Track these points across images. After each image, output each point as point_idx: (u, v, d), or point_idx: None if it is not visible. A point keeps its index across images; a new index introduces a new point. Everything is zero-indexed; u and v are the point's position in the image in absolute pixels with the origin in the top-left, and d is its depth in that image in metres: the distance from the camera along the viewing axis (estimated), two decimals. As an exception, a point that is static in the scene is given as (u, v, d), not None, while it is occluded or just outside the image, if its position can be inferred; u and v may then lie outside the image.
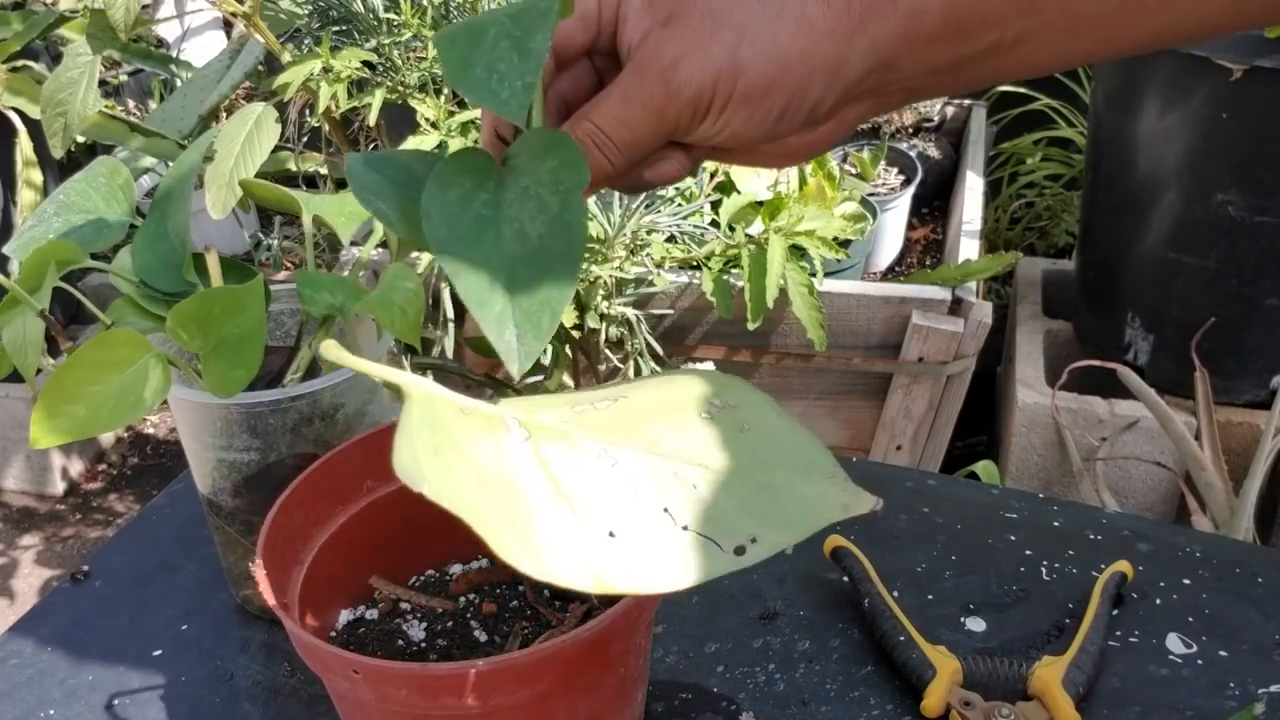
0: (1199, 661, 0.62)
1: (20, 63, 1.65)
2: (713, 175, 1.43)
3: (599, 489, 0.36)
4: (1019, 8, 0.39)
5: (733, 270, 1.33)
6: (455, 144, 1.24)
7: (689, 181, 1.37)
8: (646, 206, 1.29)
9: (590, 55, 0.43)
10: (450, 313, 1.32)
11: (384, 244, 0.62)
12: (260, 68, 1.51)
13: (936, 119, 1.86)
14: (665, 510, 0.35)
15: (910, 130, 1.83)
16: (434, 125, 1.28)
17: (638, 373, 1.36)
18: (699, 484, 0.36)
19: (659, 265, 1.34)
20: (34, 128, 1.58)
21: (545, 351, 1.29)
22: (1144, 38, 0.40)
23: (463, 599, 0.56)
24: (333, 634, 0.55)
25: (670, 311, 1.38)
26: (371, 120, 1.28)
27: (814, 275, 1.31)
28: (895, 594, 0.66)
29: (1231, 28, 0.40)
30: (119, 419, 0.45)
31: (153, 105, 2.29)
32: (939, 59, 0.41)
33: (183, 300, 0.48)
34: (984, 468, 1.40)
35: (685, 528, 0.35)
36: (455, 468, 0.34)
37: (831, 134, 0.43)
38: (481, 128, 0.43)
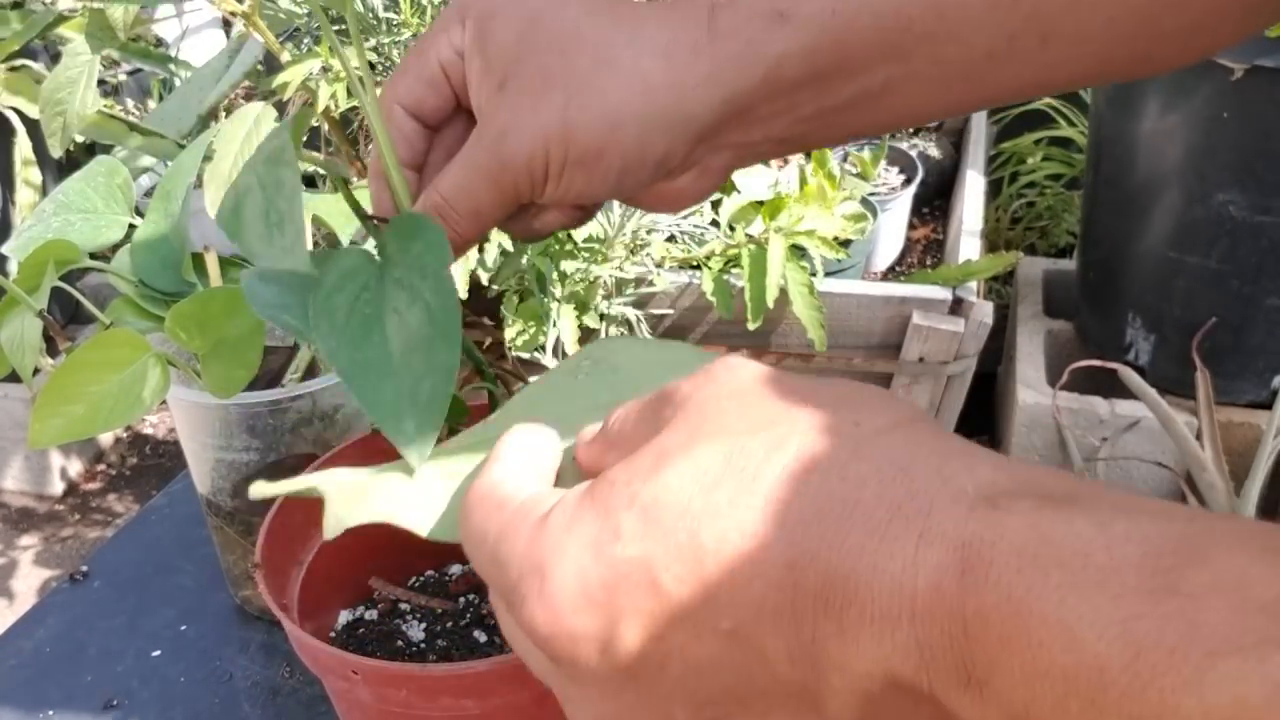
0: (1201, 662, 0.62)
1: (19, 62, 1.65)
2: (713, 175, 1.43)
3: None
4: (884, 56, 0.38)
5: (733, 270, 1.33)
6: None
7: (689, 181, 1.37)
8: (647, 206, 1.28)
9: (463, 110, 0.43)
10: (450, 312, 1.32)
11: (384, 243, 0.61)
12: (259, 67, 1.51)
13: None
14: None
15: (910, 129, 1.83)
16: (434, 125, 1.28)
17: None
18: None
19: (659, 265, 1.34)
20: (32, 127, 1.58)
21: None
22: (1013, 88, 0.40)
23: (462, 599, 0.56)
24: (332, 634, 0.55)
25: (670, 311, 1.38)
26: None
27: (814, 275, 1.30)
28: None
29: (1098, 81, 0.40)
30: (118, 419, 0.45)
31: (152, 104, 2.29)
32: (804, 109, 0.40)
33: (182, 300, 0.47)
34: (984, 468, 1.40)
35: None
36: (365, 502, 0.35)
37: (698, 183, 0.42)
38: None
